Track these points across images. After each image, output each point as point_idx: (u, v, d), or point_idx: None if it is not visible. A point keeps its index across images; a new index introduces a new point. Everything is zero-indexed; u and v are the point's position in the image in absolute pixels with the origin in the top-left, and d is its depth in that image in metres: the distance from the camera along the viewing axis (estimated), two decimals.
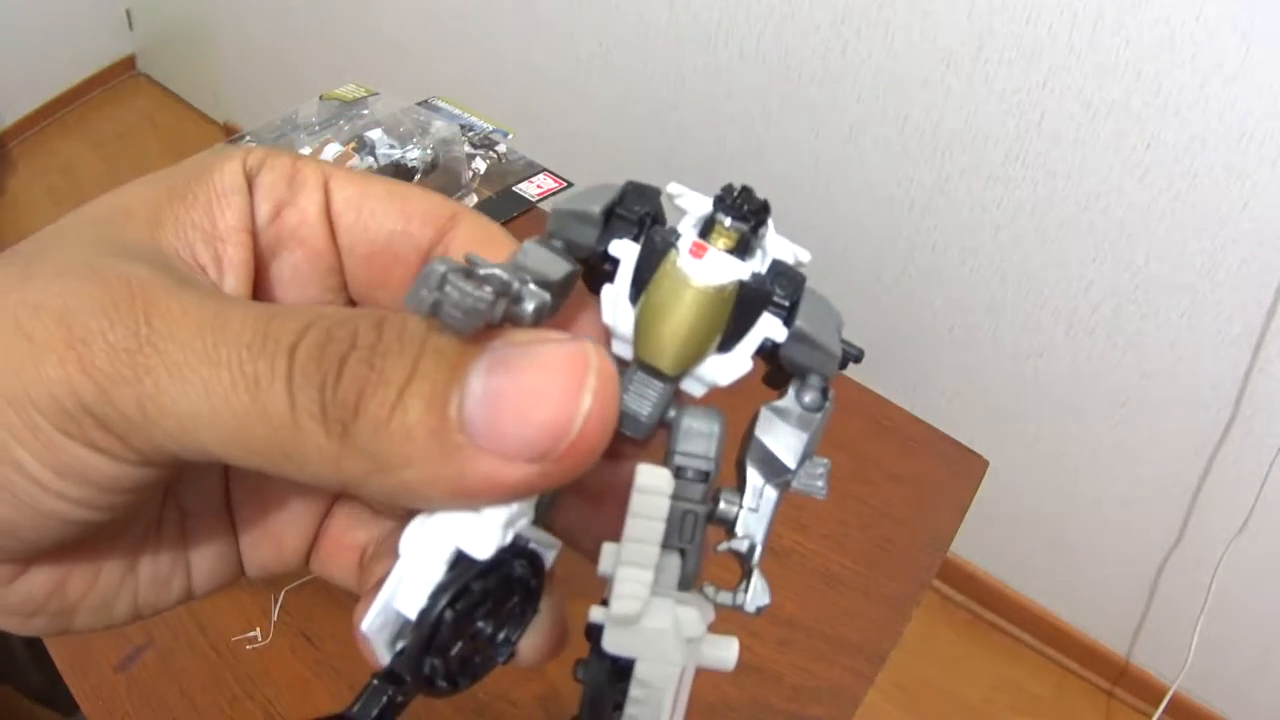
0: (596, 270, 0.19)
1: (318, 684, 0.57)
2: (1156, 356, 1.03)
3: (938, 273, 1.15)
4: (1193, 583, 1.13)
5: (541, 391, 0.15)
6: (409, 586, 0.16)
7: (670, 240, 0.18)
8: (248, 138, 0.88)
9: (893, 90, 1.05)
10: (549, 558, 0.19)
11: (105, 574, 0.19)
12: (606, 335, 0.19)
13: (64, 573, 0.18)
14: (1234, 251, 0.91)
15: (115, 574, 0.19)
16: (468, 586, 0.16)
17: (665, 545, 0.18)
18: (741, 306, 0.18)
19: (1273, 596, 1.11)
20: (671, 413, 0.19)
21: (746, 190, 0.18)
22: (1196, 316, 0.98)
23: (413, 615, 0.16)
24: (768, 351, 0.19)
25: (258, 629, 0.59)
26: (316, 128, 0.87)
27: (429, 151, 0.86)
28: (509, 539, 0.17)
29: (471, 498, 0.16)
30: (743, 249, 0.18)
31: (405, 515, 0.17)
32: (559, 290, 0.18)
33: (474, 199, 0.87)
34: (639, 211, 0.19)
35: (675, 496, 0.17)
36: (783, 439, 0.18)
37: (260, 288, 0.20)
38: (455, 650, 0.17)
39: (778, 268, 0.19)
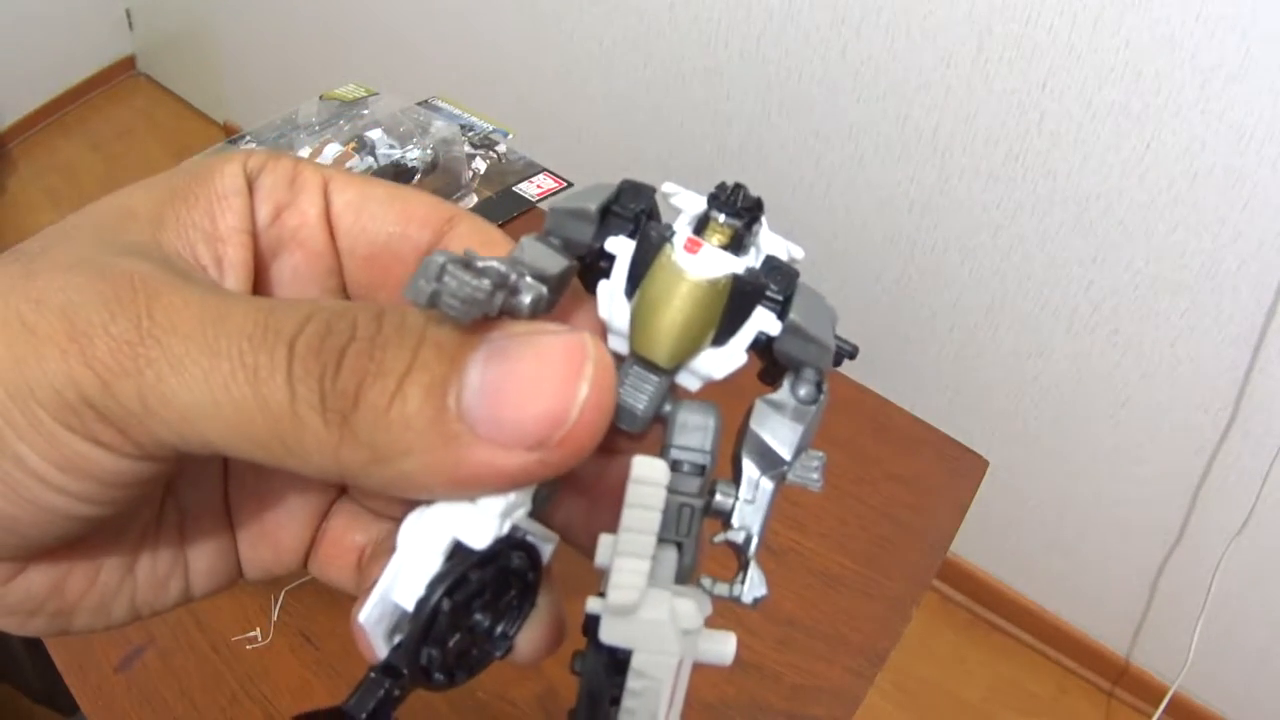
0: (593, 268, 0.20)
1: (317, 684, 0.57)
2: (1156, 356, 1.03)
3: (938, 273, 1.15)
4: (1193, 583, 1.13)
5: (539, 380, 0.15)
6: (406, 577, 0.16)
7: (665, 235, 0.19)
8: (248, 138, 0.88)
9: (893, 90, 1.05)
10: (546, 551, 0.19)
11: (104, 574, 0.19)
12: (602, 330, 0.19)
13: (63, 572, 0.18)
14: (1234, 251, 0.91)
15: (114, 574, 0.19)
16: (465, 576, 0.16)
17: (662, 539, 0.18)
18: (735, 300, 0.18)
19: (1273, 596, 1.11)
20: (667, 407, 0.19)
21: (740, 187, 0.18)
22: (1196, 316, 0.98)
23: (410, 606, 0.16)
24: (762, 346, 0.19)
25: (258, 629, 0.59)
26: (316, 128, 0.87)
27: (429, 151, 0.86)
28: (506, 530, 0.17)
29: (470, 487, 0.16)
30: (736, 245, 0.18)
31: (403, 515, 0.17)
32: (556, 285, 0.18)
33: (474, 199, 0.87)
34: (634, 209, 0.19)
35: (671, 490, 0.18)
36: (778, 431, 0.19)
37: (260, 288, 0.20)
38: (453, 643, 0.17)
39: (771, 263, 0.19)
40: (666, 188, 0.20)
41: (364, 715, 0.16)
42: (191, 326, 0.15)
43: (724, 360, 0.19)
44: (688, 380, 0.19)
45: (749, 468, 0.19)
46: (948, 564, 1.37)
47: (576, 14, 1.30)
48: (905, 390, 1.07)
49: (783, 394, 0.19)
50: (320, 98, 0.92)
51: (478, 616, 0.17)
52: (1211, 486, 1.08)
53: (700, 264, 0.18)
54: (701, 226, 0.19)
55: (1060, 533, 1.27)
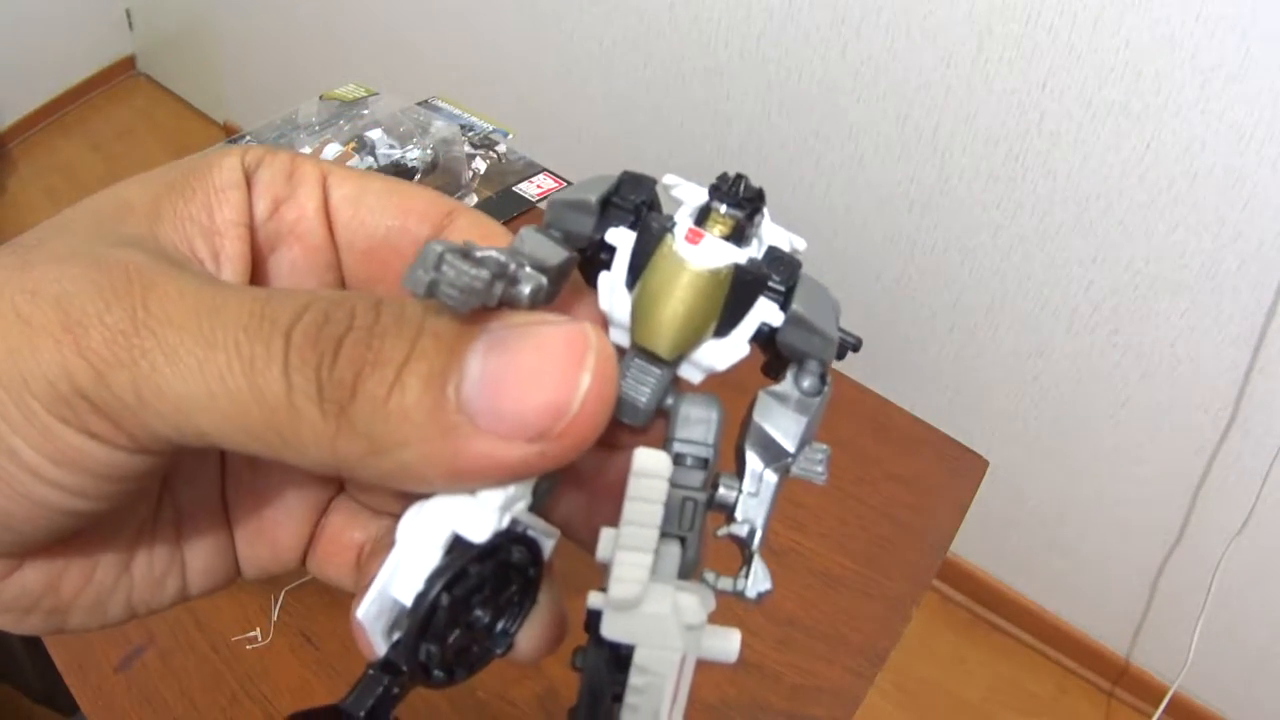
0: (594, 260, 0.19)
1: (317, 684, 0.57)
2: (1156, 356, 1.03)
3: (938, 273, 1.15)
4: (1193, 583, 1.13)
5: (541, 371, 0.15)
6: (405, 572, 0.16)
7: (666, 226, 0.19)
8: (248, 138, 0.88)
9: (893, 90, 1.05)
10: (547, 547, 0.19)
11: (100, 572, 0.19)
12: (604, 322, 0.19)
13: (58, 569, 0.18)
14: (1234, 251, 0.91)
15: (110, 572, 0.19)
16: (464, 570, 0.16)
17: (665, 533, 0.18)
18: (737, 291, 0.18)
19: (1273, 596, 1.11)
20: (669, 400, 0.19)
21: (741, 178, 0.18)
22: (1196, 316, 0.98)
23: (408, 601, 0.16)
24: (765, 337, 0.19)
25: (258, 629, 0.59)
26: (316, 128, 0.87)
27: (429, 151, 0.86)
28: (505, 523, 0.17)
29: (469, 479, 0.16)
30: (738, 236, 0.18)
31: (402, 511, 0.17)
32: (555, 277, 0.18)
33: (474, 199, 0.87)
34: (635, 200, 0.19)
35: (675, 484, 0.17)
36: (781, 423, 0.18)
37: (257, 282, 0.20)
38: (452, 639, 0.17)
39: (773, 254, 0.19)
40: (668, 179, 0.20)
41: (362, 713, 0.16)
42: (186, 317, 0.15)
43: (726, 351, 0.19)
44: (690, 372, 0.19)
45: (752, 460, 0.18)
46: (948, 564, 1.37)
47: (576, 14, 1.30)
48: (905, 390, 1.07)
49: (786, 386, 0.19)
50: (320, 98, 0.92)
51: (478, 613, 0.17)
52: (1211, 486, 1.08)
53: (701, 254, 0.18)
54: (703, 218, 0.18)
55: (1060, 533, 1.27)
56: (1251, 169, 0.86)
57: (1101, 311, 1.04)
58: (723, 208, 0.18)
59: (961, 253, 1.11)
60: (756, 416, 0.19)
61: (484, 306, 0.15)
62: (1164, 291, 0.98)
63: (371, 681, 0.17)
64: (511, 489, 0.17)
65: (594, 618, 0.17)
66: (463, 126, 0.92)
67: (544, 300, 0.17)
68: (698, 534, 0.18)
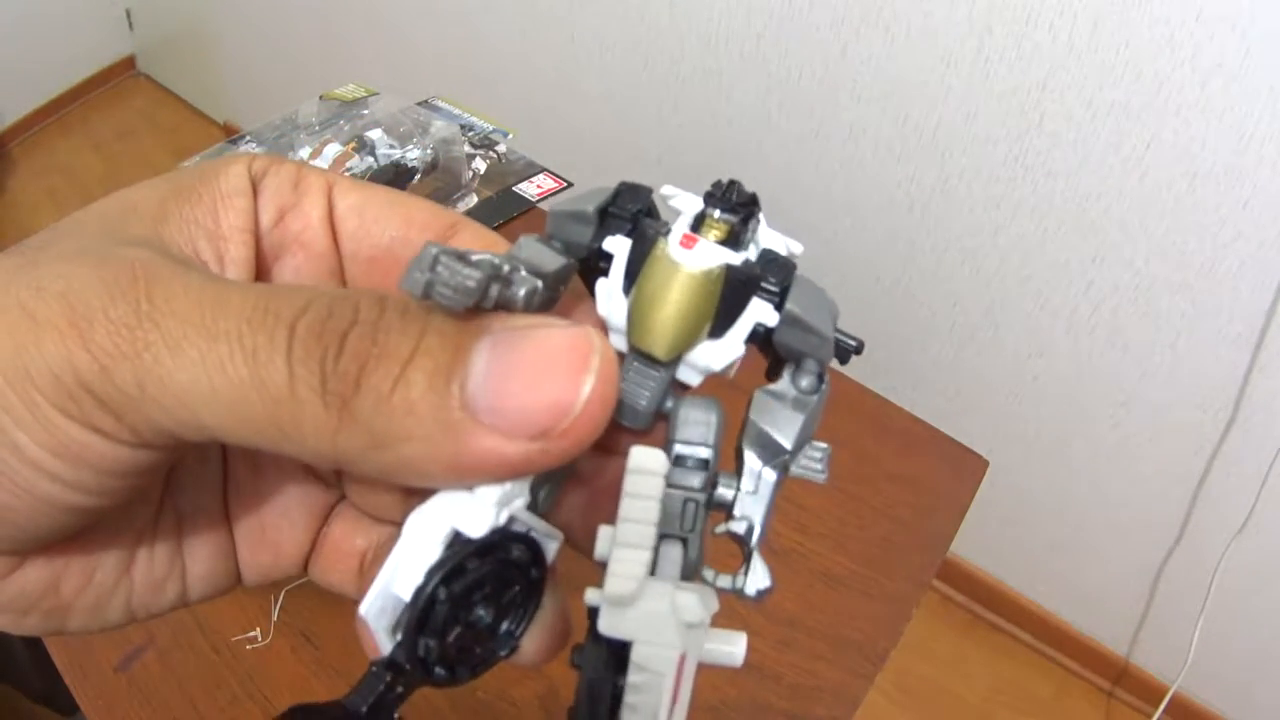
0: (594, 268, 0.20)
1: (317, 684, 0.57)
2: (1156, 356, 1.03)
3: (938, 273, 1.15)
4: (1193, 583, 1.13)
5: (546, 370, 0.15)
6: (405, 568, 0.16)
7: (661, 232, 0.19)
8: (248, 138, 0.88)
9: (893, 91, 1.05)
10: (550, 549, 0.19)
11: (100, 574, 0.19)
12: (602, 328, 0.19)
13: (59, 569, 0.18)
14: (1234, 251, 0.91)
15: (110, 574, 0.19)
16: (463, 565, 0.16)
17: (667, 535, 0.18)
18: (731, 292, 0.18)
19: (1273, 596, 1.11)
20: (669, 403, 0.19)
21: (734, 183, 0.19)
22: (1196, 316, 0.98)
23: (408, 596, 0.16)
24: (761, 338, 0.19)
25: (258, 629, 0.59)
26: (316, 128, 0.87)
27: (429, 151, 0.86)
28: (504, 519, 0.17)
29: (471, 475, 0.16)
30: (734, 242, 0.19)
31: (403, 517, 0.17)
32: (552, 283, 0.18)
33: (474, 199, 0.87)
34: (632, 209, 0.19)
35: (676, 485, 0.18)
36: (778, 421, 0.19)
37: None
38: (453, 636, 0.17)
39: (768, 256, 0.19)
40: (665, 190, 0.20)
41: (364, 708, 0.16)
42: (190, 310, 0.15)
43: (722, 352, 0.19)
44: (688, 375, 0.19)
45: (750, 459, 0.19)
46: (948, 564, 1.37)
47: (577, 14, 1.30)
48: (905, 390, 1.07)
49: (783, 384, 0.19)
50: (320, 98, 0.92)
51: (480, 612, 0.17)
52: (1211, 486, 1.08)
53: (695, 257, 0.18)
54: (698, 224, 0.19)
55: (1060, 533, 1.27)
56: (1251, 169, 0.86)
57: (1101, 311, 1.04)
58: (716, 212, 0.19)
59: (961, 253, 1.11)
60: (753, 415, 0.19)
61: (479, 307, 0.15)
62: (1164, 291, 0.98)
63: (373, 679, 0.17)
64: (508, 485, 0.17)
65: (594, 615, 0.17)
66: (463, 126, 0.92)
67: (539, 305, 0.17)
68: (699, 535, 0.18)
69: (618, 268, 0.19)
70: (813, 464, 0.19)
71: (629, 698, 0.16)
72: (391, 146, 0.85)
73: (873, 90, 1.06)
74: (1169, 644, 1.21)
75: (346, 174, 0.82)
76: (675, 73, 1.24)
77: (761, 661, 0.59)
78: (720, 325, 0.19)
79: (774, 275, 0.19)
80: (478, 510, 0.16)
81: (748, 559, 0.18)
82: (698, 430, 0.18)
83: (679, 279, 0.18)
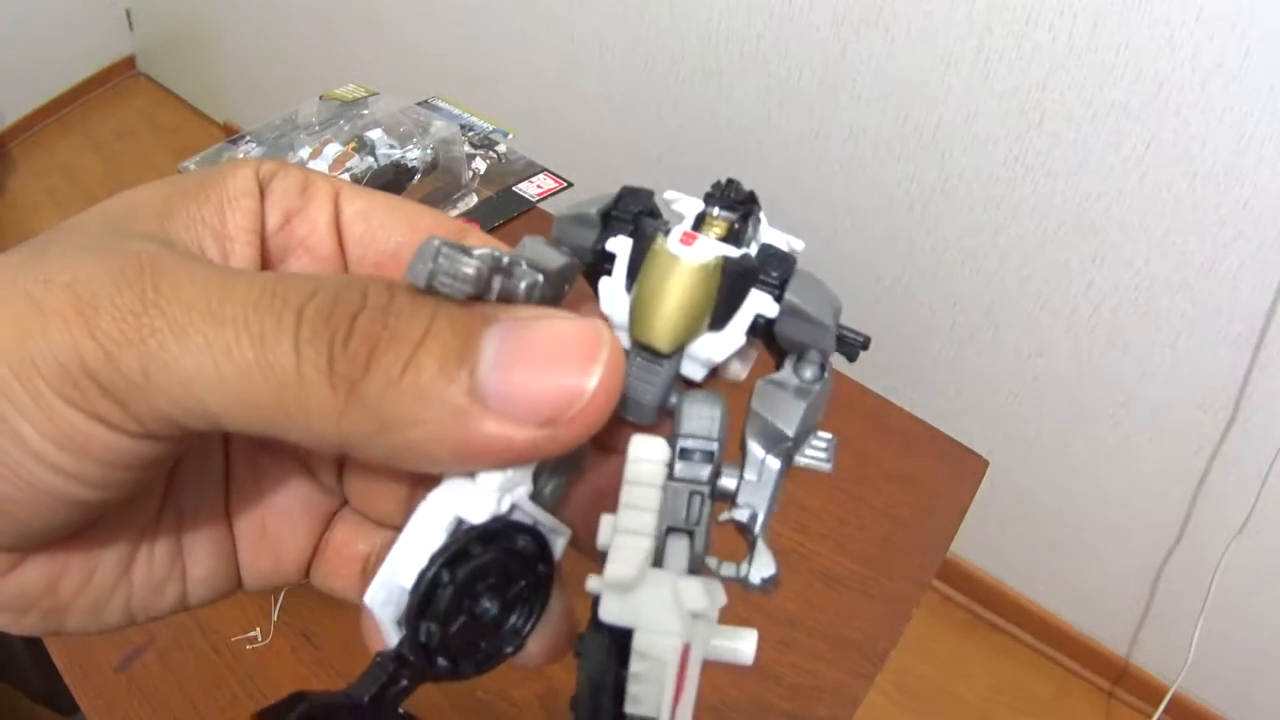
0: (599, 270, 0.20)
1: (318, 684, 0.57)
2: (1156, 356, 1.03)
3: (938, 273, 1.15)
4: (1193, 583, 1.13)
5: (558, 358, 0.15)
6: (409, 555, 0.17)
7: (661, 229, 0.19)
8: (248, 138, 0.88)
9: (893, 91, 1.05)
10: (558, 544, 0.19)
11: (100, 574, 0.19)
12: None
13: (59, 568, 0.18)
14: (1234, 251, 0.91)
15: (110, 575, 0.19)
16: (467, 550, 0.17)
17: (673, 528, 0.18)
18: (730, 284, 0.19)
19: (1273, 596, 1.11)
20: (673, 399, 0.19)
21: (732, 182, 0.19)
22: (1196, 316, 0.98)
23: (410, 583, 0.16)
24: (762, 330, 0.19)
25: (258, 629, 0.59)
26: (316, 128, 0.87)
27: (429, 151, 0.86)
28: (505, 506, 0.17)
29: (477, 460, 0.16)
30: (735, 239, 0.19)
31: (406, 518, 0.17)
32: (555, 280, 0.18)
33: (474, 199, 0.87)
34: (633, 211, 0.20)
35: (681, 478, 0.18)
36: (779, 409, 0.19)
37: None
38: (457, 625, 0.17)
39: (768, 250, 0.19)
40: (668, 195, 0.21)
41: (366, 698, 0.16)
42: (196, 297, 0.15)
43: (722, 343, 0.19)
44: (691, 369, 0.20)
45: (754, 448, 0.19)
46: (948, 564, 1.37)
47: (577, 14, 1.30)
48: (905, 390, 1.07)
49: (784, 374, 0.19)
50: (320, 98, 0.93)
51: (486, 603, 0.17)
52: (1211, 486, 1.08)
53: (693, 251, 0.19)
54: (699, 223, 0.19)
55: (1060, 533, 1.27)
56: (1251, 169, 0.86)
57: (1101, 311, 1.04)
58: (716, 210, 0.19)
59: (961, 253, 1.11)
60: (754, 404, 0.19)
61: (484, 300, 0.16)
62: (1164, 291, 0.98)
63: (377, 669, 0.17)
64: (510, 472, 0.17)
65: (596, 604, 0.17)
66: (463, 126, 0.92)
67: (540, 300, 0.17)
68: (705, 527, 0.18)
69: (620, 266, 0.20)
70: (818, 453, 0.19)
71: (632, 688, 0.16)
72: (391, 146, 0.85)
73: (873, 90, 1.06)
74: (1169, 644, 1.21)
75: (346, 174, 0.82)
76: (675, 73, 1.24)
77: (762, 661, 0.59)
78: (721, 317, 0.19)
79: (774, 268, 0.19)
80: (480, 496, 0.17)
81: (752, 547, 0.18)
82: (703, 424, 0.19)
83: (678, 272, 0.18)
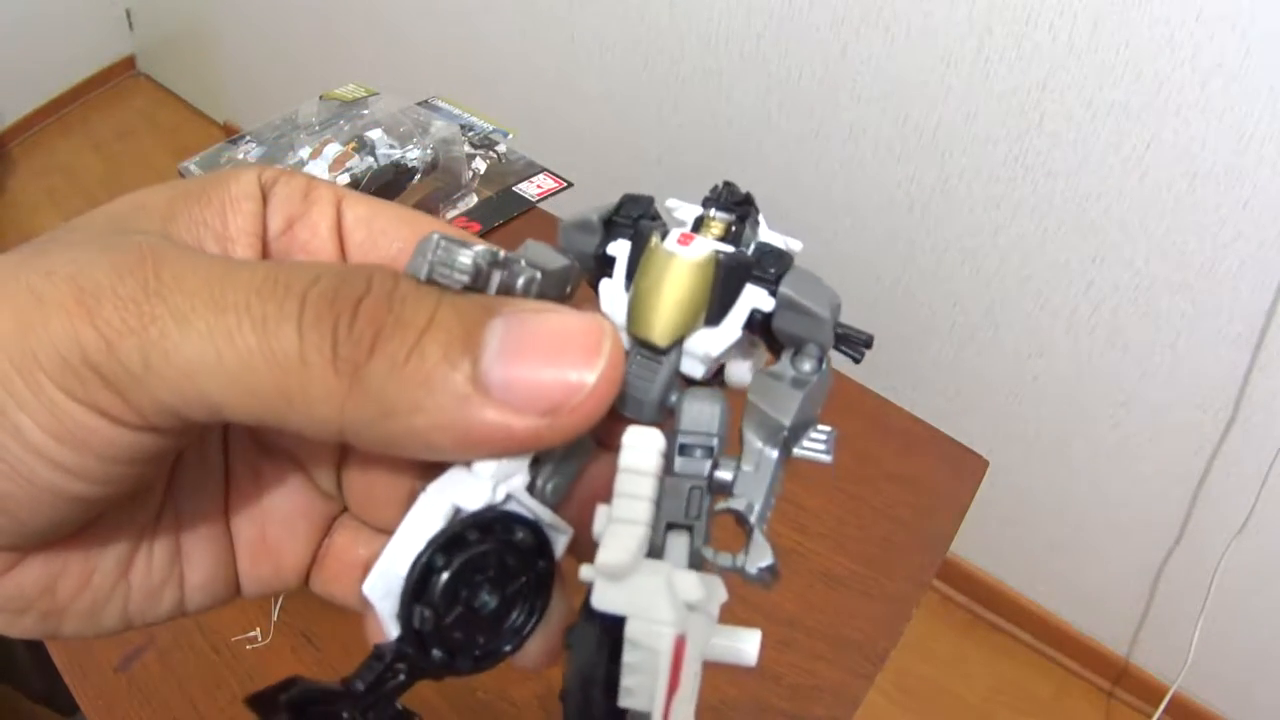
0: (601, 274, 0.21)
1: None
2: (1156, 356, 1.03)
3: (938, 273, 1.15)
4: (1193, 583, 1.13)
5: (562, 349, 0.16)
6: (406, 543, 0.17)
7: (658, 230, 0.20)
8: (248, 138, 0.88)
9: (893, 91, 1.05)
10: (559, 542, 0.19)
11: (98, 576, 0.19)
12: None
13: (57, 569, 0.18)
14: (1234, 251, 0.91)
15: (108, 577, 0.19)
16: (462, 536, 0.17)
17: (673, 523, 0.18)
18: (725, 279, 0.19)
19: (1273, 596, 1.11)
20: (673, 398, 0.19)
21: (729, 184, 0.20)
22: (1196, 316, 0.98)
23: (405, 570, 0.16)
24: (760, 326, 0.19)
25: (258, 629, 0.59)
26: (316, 128, 0.87)
27: (429, 151, 0.86)
28: (501, 495, 0.17)
29: (477, 448, 0.16)
30: (733, 241, 0.20)
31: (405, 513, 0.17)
32: (556, 280, 0.19)
33: (474, 199, 0.87)
34: (633, 215, 0.20)
35: (681, 474, 0.18)
36: (776, 400, 0.19)
37: None
38: (453, 616, 0.17)
39: (764, 248, 0.20)
40: (670, 203, 0.21)
41: (363, 687, 0.16)
42: (198, 285, 0.15)
43: (719, 337, 0.19)
44: (690, 366, 0.20)
45: (751, 439, 0.19)
46: (948, 564, 1.37)
47: (577, 14, 1.30)
48: (905, 390, 1.07)
49: (781, 365, 0.19)
50: (320, 98, 0.92)
51: (484, 596, 0.17)
52: (1211, 486, 1.08)
53: (690, 250, 0.19)
54: (698, 226, 0.20)
55: (1060, 533, 1.27)
56: (1251, 169, 0.86)
57: (1101, 312, 1.04)
58: (713, 211, 0.20)
59: (961, 253, 1.11)
60: (751, 396, 0.19)
61: (480, 292, 0.16)
62: (1164, 291, 0.98)
63: (374, 660, 0.17)
64: (504, 462, 0.17)
65: (589, 595, 0.17)
66: (463, 126, 0.92)
67: (537, 296, 0.18)
68: (704, 522, 0.18)
69: (620, 268, 0.20)
70: (817, 444, 0.19)
71: (625, 680, 0.16)
72: (391, 146, 0.85)
73: (873, 90, 1.06)
74: (1169, 644, 1.21)
75: (346, 174, 0.82)
76: (675, 73, 1.24)
77: (762, 661, 0.59)
78: (717, 312, 0.19)
79: (770, 264, 0.19)
80: (474, 484, 0.17)
81: (749, 537, 0.18)
82: (702, 419, 0.19)
83: (673, 268, 0.19)
